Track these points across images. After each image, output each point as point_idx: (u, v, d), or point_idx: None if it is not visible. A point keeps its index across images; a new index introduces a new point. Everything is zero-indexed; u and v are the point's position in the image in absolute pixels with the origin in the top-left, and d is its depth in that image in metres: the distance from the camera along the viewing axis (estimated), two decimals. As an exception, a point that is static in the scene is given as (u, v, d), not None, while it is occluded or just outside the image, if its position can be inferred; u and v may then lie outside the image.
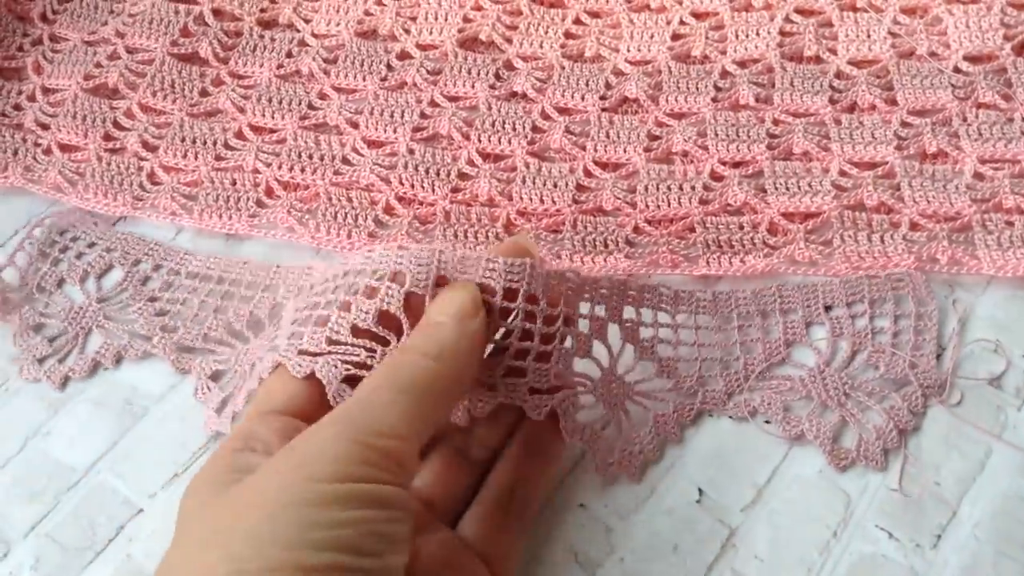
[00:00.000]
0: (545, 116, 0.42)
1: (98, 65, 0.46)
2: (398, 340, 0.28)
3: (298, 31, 0.47)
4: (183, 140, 0.43)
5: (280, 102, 0.44)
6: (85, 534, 0.33)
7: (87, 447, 0.35)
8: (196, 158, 0.42)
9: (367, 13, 0.47)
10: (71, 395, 0.37)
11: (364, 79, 0.44)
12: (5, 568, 0.32)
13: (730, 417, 0.34)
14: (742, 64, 0.43)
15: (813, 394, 0.33)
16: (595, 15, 0.46)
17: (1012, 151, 0.38)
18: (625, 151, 0.40)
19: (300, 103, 0.44)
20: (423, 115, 0.43)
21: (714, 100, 0.42)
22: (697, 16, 0.45)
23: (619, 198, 0.39)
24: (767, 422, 0.33)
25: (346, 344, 0.28)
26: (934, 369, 0.34)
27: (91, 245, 0.41)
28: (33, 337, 0.38)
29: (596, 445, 0.32)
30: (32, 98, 0.45)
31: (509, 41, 0.45)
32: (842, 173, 0.39)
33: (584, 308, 0.32)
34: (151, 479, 0.34)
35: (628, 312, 0.34)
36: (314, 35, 0.46)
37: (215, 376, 0.36)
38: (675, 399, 0.34)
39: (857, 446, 0.32)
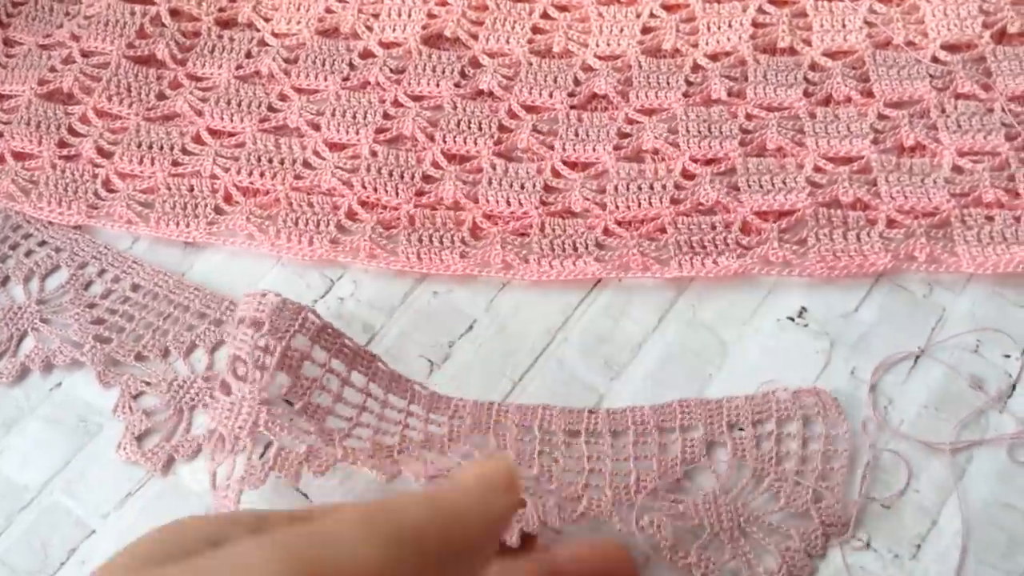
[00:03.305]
0: (512, 115, 0.41)
1: (53, 69, 0.44)
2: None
3: (258, 30, 0.45)
4: (139, 146, 0.41)
5: (239, 104, 0.42)
6: (37, 557, 0.32)
7: (39, 466, 0.34)
8: (152, 164, 0.41)
9: (328, 10, 0.45)
10: (23, 412, 0.36)
11: (325, 79, 0.43)
12: (-48, 596, 0.31)
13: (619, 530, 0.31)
14: (714, 57, 0.42)
15: (705, 523, 0.30)
16: (563, 9, 0.44)
17: (991, 143, 0.37)
18: (594, 150, 0.39)
19: (260, 105, 0.42)
20: (386, 115, 0.41)
21: (685, 95, 0.40)
22: (667, 8, 0.44)
23: (588, 199, 0.38)
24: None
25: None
26: (841, 503, 0.30)
27: (42, 243, 0.40)
28: None
29: None
30: (-15, 105, 0.44)
31: (475, 37, 0.44)
32: (817, 169, 0.38)
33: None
34: (105, 499, 0.33)
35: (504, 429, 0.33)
36: (274, 34, 0.45)
37: (139, 396, 0.35)
38: (559, 499, 0.30)
39: None
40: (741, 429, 0.32)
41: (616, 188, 0.38)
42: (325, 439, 0.31)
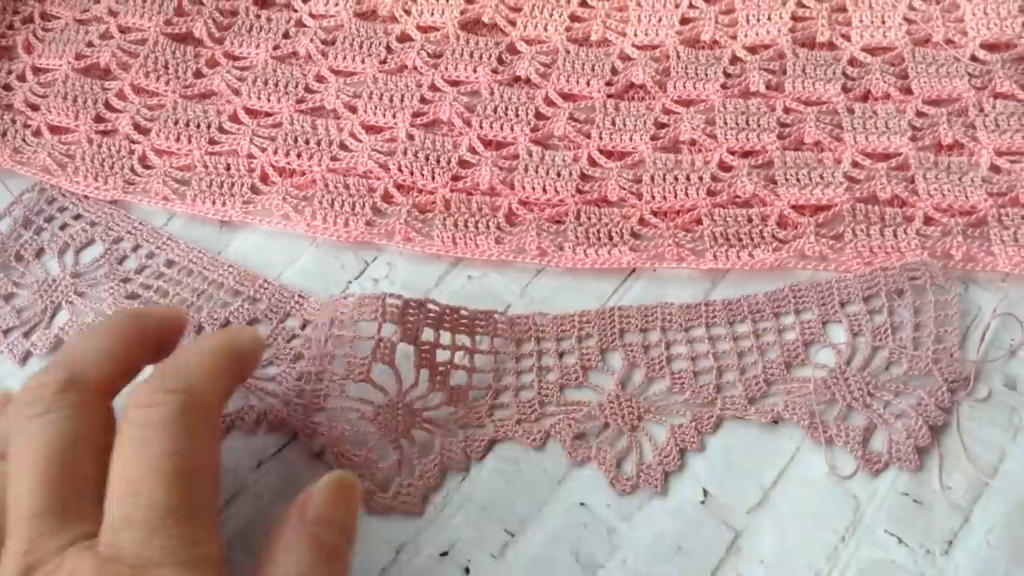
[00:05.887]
0: (549, 102, 0.41)
1: (90, 44, 0.44)
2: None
3: (295, 11, 0.45)
4: (176, 123, 0.41)
5: (276, 84, 0.42)
6: None
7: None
8: (189, 141, 0.41)
9: (366, -7, 0.45)
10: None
11: (363, 61, 0.43)
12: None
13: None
14: (753, 50, 0.42)
15: (837, 396, 0.32)
16: (601, -3, 0.44)
17: (1030, 143, 0.37)
18: (631, 139, 0.39)
19: (297, 86, 0.42)
20: (423, 100, 0.41)
21: (723, 87, 0.40)
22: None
23: (624, 188, 0.38)
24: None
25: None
26: (958, 362, 0.33)
27: (77, 217, 0.40)
28: (2, 307, 0.37)
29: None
30: (22, 78, 0.44)
31: (512, 24, 0.44)
32: (855, 164, 0.38)
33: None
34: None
35: (631, 337, 0.34)
36: (311, 15, 0.45)
37: None
38: (693, 409, 0.33)
39: (888, 448, 0.31)
40: (852, 304, 0.34)
41: (652, 178, 0.38)
42: (474, 420, 0.32)
